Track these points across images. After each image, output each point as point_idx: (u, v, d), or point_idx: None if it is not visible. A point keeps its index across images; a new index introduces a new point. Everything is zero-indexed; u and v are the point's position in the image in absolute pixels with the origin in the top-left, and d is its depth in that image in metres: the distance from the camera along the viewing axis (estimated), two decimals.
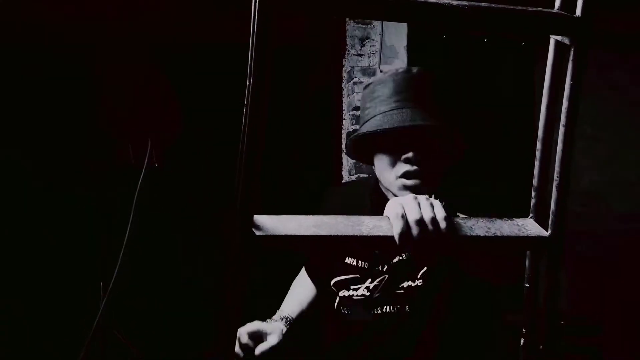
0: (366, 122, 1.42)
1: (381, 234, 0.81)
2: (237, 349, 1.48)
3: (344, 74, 3.10)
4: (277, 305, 1.84)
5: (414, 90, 1.37)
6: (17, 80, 3.62)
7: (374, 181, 1.55)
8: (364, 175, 3.01)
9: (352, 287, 1.50)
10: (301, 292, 1.74)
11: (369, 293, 1.47)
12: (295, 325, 1.63)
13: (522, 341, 0.86)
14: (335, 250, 1.54)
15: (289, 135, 3.83)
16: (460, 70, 3.82)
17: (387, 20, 2.67)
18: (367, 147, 1.45)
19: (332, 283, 1.55)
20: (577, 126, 0.79)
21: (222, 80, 3.57)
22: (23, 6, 3.23)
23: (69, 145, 3.63)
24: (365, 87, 1.47)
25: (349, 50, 3.02)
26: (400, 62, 3.02)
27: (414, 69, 1.40)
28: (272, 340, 1.52)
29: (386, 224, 0.84)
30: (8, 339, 3.53)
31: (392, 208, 0.91)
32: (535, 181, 0.84)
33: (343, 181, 3.04)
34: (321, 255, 1.64)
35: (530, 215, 0.85)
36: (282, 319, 1.63)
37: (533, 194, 0.85)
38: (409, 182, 1.36)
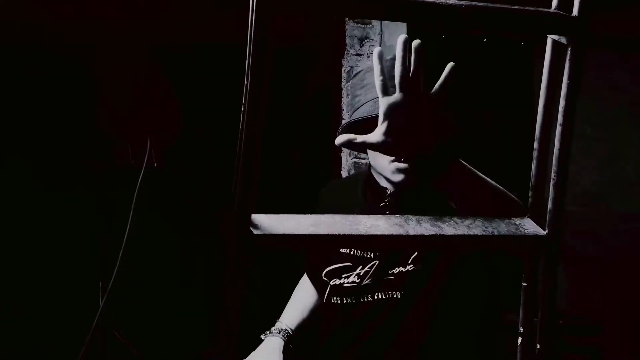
0: (357, 109, 1.42)
1: (378, 233, 0.81)
2: None
3: (343, 74, 3.10)
4: (277, 306, 1.84)
5: None
6: (17, 80, 3.62)
7: (367, 172, 1.55)
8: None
9: (343, 275, 1.50)
10: (302, 298, 1.73)
11: (359, 280, 1.47)
12: (294, 336, 1.63)
13: (520, 341, 0.86)
14: (333, 248, 1.54)
15: (289, 135, 3.83)
16: (459, 70, 3.82)
17: (386, 20, 2.67)
18: (359, 134, 1.45)
19: (323, 273, 1.55)
20: (576, 126, 0.79)
21: (222, 80, 3.57)
22: (23, 6, 3.23)
23: (69, 145, 3.63)
24: (354, 76, 1.48)
25: (348, 50, 3.02)
26: None
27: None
28: None
29: (383, 223, 0.85)
30: (8, 339, 3.53)
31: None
32: (532, 180, 0.84)
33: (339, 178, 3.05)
34: (319, 253, 1.64)
35: (528, 214, 0.86)
36: (280, 332, 1.63)
37: (530, 193, 0.85)
38: (402, 165, 1.38)
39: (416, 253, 1.43)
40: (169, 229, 3.78)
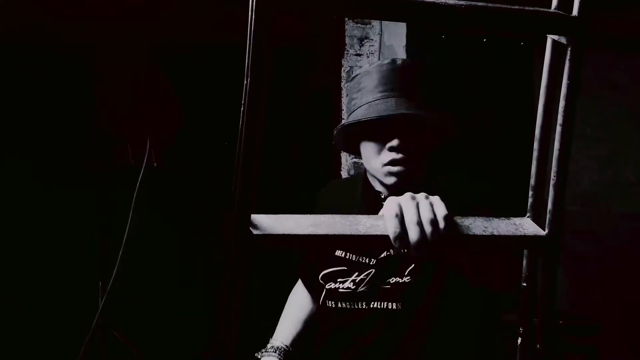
0: (352, 112, 1.44)
1: (378, 233, 0.81)
2: None
3: (343, 74, 3.10)
4: (276, 306, 1.83)
5: (399, 80, 1.39)
6: (17, 80, 3.62)
7: (363, 174, 1.56)
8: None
9: (338, 279, 1.49)
10: (296, 310, 1.71)
11: (354, 286, 1.46)
12: (290, 352, 1.63)
13: (519, 341, 0.86)
14: (332, 249, 1.54)
15: (289, 135, 3.83)
16: (459, 70, 3.82)
17: (385, 20, 2.67)
18: (354, 137, 1.48)
19: (320, 276, 1.54)
20: (576, 126, 0.79)
21: (222, 80, 3.57)
22: (23, 6, 3.23)
23: (69, 145, 3.63)
24: (352, 79, 1.49)
25: (347, 50, 3.02)
26: None
27: (399, 60, 1.42)
28: None
29: (383, 224, 0.85)
30: (8, 339, 3.53)
31: (388, 207, 0.89)
32: (532, 180, 0.84)
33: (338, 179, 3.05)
34: (314, 254, 1.63)
35: (528, 214, 0.86)
36: (275, 350, 1.62)
37: (530, 193, 0.85)
38: (395, 169, 1.39)
39: (413, 265, 1.43)
40: (169, 229, 3.78)
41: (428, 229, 0.87)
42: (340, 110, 3.16)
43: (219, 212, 3.46)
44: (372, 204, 1.50)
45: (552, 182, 0.80)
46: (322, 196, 1.71)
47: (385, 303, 1.44)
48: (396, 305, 1.43)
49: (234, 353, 0.78)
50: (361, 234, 0.80)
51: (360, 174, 1.59)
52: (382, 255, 1.46)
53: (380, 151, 1.40)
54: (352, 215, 0.82)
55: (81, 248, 3.49)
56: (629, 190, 3.90)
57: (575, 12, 0.77)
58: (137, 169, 2.79)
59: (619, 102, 3.89)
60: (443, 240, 0.86)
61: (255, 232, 0.76)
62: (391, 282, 1.44)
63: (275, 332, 1.70)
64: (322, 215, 0.81)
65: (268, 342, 1.66)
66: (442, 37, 3.70)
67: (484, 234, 0.81)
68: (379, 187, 1.50)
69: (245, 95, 0.70)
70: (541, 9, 0.78)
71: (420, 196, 0.93)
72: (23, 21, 3.40)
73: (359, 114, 1.40)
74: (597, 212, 3.87)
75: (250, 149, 0.71)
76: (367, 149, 1.43)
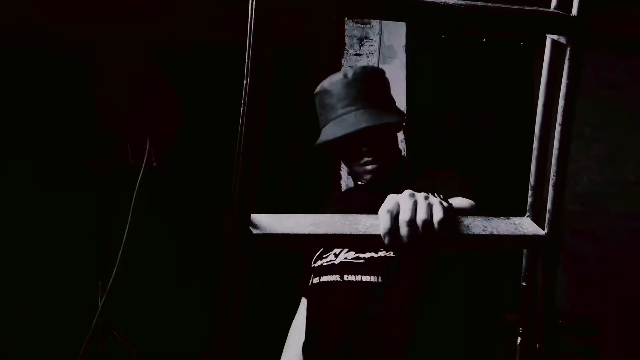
0: (323, 128, 1.64)
1: (378, 232, 0.81)
2: None
3: None
4: (276, 306, 1.83)
5: (354, 93, 1.58)
6: (17, 80, 3.62)
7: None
8: None
9: (323, 256, 1.59)
10: (299, 343, 1.72)
11: (335, 258, 1.56)
12: None
13: (519, 340, 0.86)
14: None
15: (289, 135, 3.83)
16: (459, 70, 3.82)
17: (385, 20, 2.67)
18: (330, 150, 1.68)
19: (312, 261, 1.62)
20: (576, 126, 0.79)
21: (222, 80, 3.57)
22: (23, 6, 3.23)
23: (69, 145, 3.63)
24: (315, 96, 1.67)
25: (347, 50, 3.03)
26: (399, 61, 3.02)
27: (349, 73, 1.61)
28: None
29: None
30: (8, 339, 3.53)
31: (385, 203, 0.90)
32: (531, 180, 0.84)
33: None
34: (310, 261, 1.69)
35: (527, 214, 0.86)
36: None
37: (530, 192, 0.85)
38: (369, 168, 1.59)
39: None
40: (169, 229, 3.78)
41: (421, 229, 0.87)
42: None
43: (219, 212, 3.46)
44: (359, 195, 1.67)
45: (551, 182, 0.80)
46: (326, 205, 1.82)
47: (363, 276, 1.50)
48: (373, 279, 1.49)
49: (234, 353, 0.78)
50: (361, 233, 0.80)
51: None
52: None
53: (354, 159, 1.60)
54: (351, 215, 0.82)
55: (81, 248, 3.49)
56: (629, 190, 3.90)
57: (574, 11, 0.78)
58: (137, 169, 2.79)
59: (618, 102, 3.90)
60: (434, 241, 0.87)
61: (255, 231, 0.76)
62: (366, 257, 1.52)
63: None
64: (322, 215, 0.81)
65: None
66: (442, 37, 3.70)
67: (484, 233, 0.81)
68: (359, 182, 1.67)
69: (245, 94, 0.71)
70: (540, 9, 0.78)
71: (420, 196, 0.93)
72: (23, 21, 3.40)
73: (328, 134, 1.58)
74: (597, 212, 3.87)
75: (250, 149, 0.71)
76: (343, 158, 1.65)
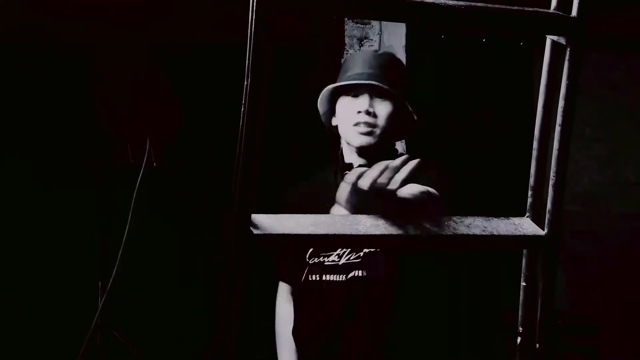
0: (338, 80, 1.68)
1: (378, 232, 0.81)
2: None
3: None
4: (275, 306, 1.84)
5: (378, 64, 1.64)
6: (17, 80, 3.62)
7: (339, 152, 1.74)
8: None
9: (321, 254, 1.62)
10: (289, 327, 1.74)
11: (338, 259, 1.59)
12: None
13: (519, 340, 0.86)
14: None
15: (289, 135, 3.83)
16: (459, 70, 3.82)
17: (385, 20, 2.67)
18: (333, 104, 1.71)
19: (307, 255, 1.64)
20: (575, 126, 0.79)
21: (222, 80, 3.56)
22: (23, 6, 3.23)
23: (69, 145, 3.63)
24: (343, 63, 1.74)
25: (347, 50, 3.03)
26: None
27: (381, 51, 1.72)
28: None
29: (383, 223, 0.85)
30: (8, 339, 3.53)
31: (350, 173, 1.07)
32: (531, 180, 0.84)
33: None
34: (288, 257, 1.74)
35: (527, 214, 0.86)
36: None
37: (529, 193, 0.85)
38: (362, 129, 1.61)
39: None
40: (169, 229, 3.77)
41: (381, 180, 1.01)
42: None
43: (219, 212, 3.45)
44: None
45: (551, 182, 0.80)
46: (290, 195, 1.86)
47: (357, 272, 1.56)
48: (362, 273, 1.56)
49: (234, 353, 0.78)
50: (361, 233, 0.80)
51: (326, 168, 1.81)
52: None
53: (352, 113, 1.62)
54: (352, 215, 0.82)
55: (81, 248, 3.48)
56: (629, 190, 3.90)
57: (574, 12, 0.78)
58: (137, 169, 2.79)
59: (618, 102, 3.89)
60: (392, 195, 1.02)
61: (255, 231, 0.76)
62: (362, 254, 1.57)
63: None
64: (322, 215, 0.81)
65: None
66: (442, 37, 3.70)
67: (484, 233, 0.81)
68: (350, 158, 1.69)
69: (246, 95, 0.71)
70: (540, 10, 0.78)
71: (383, 164, 1.05)
72: (23, 21, 3.40)
73: (341, 80, 1.65)
74: (597, 212, 3.87)
75: (251, 149, 0.71)
76: (342, 110, 1.66)
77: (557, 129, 0.78)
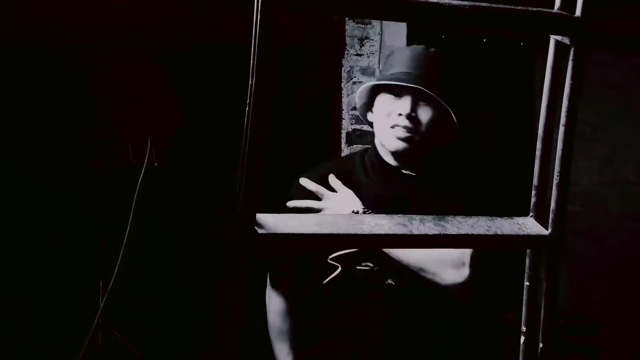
0: (381, 72, 1.61)
1: (382, 232, 0.81)
2: None
3: (344, 74, 3.10)
4: None
5: (426, 63, 1.53)
6: (17, 80, 3.61)
7: (363, 151, 1.66)
8: None
9: (354, 258, 1.55)
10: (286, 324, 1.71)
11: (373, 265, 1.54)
12: None
13: (522, 340, 0.86)
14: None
15: (289, 135, 3.83)
16: (459, 70, 3.82)
17: (387, 20, 2.67)
18: (372, 99, 1.59)
19: (330, 258, 1.58)
20: (577, 126, 0.79)
21: (222, 80, 3.57)
22: (23, 6, 3.22)
23: (69, 145, 3.63)
24: (388, 56, 1.64)
25: (348, 50, 3.03)
26: None
27: (431, 49, 1.57)
28: None
29: (387, 222, 0.85)
30: (8, 339, 3.53)
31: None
32: (535, 180, 0.84)
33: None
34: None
35: (531, 214, 0.86)
36: None
37: (533, 192, 0.85)
38: (400, 134, 1.50)
39: None
40: (169, 229, 3.77)
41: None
42: (341, 110, 3.16)
43: (219, 212, 3.46)
44: (380, 174, 1.57)
45: (555, 182, 0.80)
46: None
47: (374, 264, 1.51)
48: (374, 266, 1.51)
49: (234, 353, 0.78)
50: (365, 233, 0.80)
51: (359, 153, 1.67)
52: None
53: (390, 114, 1.51)
54: (356, 215, 0.82)
55: (81, 248, 3.48)
56: (629, 190, 3.90)
57: (578, 12, 0.78)
58: (138, 168, 2.79)
59: (619, 101, 3.89)
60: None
61: (260, 231, 0.76)
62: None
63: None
64: (326, 215, 0.81)
65: None
66: (442, 38, 3.70)
67: (488, 233, 0.81)
68: (386, 158, 1.58)
69: (251, 95, 0.71)
70: (544, 10, 0.78)
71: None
72: (23, 21, 3.40)
73: (386, 78, 1.53)
74: (597, 212, 3.86)
75: (255, 149, 0.71)
76: (380, 111, 1.54)
77: (561, 129, 0.78)
